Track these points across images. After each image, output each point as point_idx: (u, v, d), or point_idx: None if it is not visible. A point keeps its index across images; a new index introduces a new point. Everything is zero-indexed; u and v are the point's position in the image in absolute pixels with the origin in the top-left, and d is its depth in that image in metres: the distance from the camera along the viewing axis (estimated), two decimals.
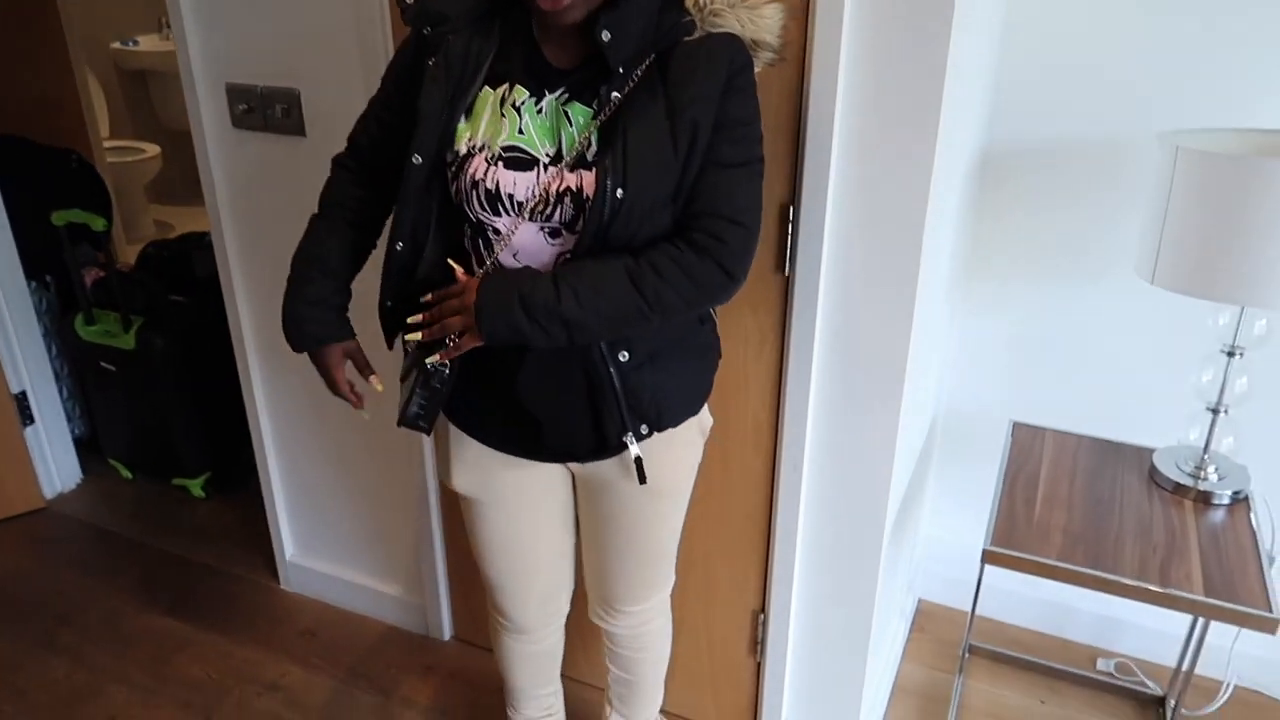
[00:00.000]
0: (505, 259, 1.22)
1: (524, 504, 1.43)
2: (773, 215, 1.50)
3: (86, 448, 3.01)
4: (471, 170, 1.19)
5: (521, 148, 1.17)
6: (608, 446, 1.30)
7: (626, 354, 1.23)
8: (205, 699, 2.12)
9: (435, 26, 1.18)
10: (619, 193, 1.12)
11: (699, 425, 1.40)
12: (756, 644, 1.87)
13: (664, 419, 1.30)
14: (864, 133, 1.40)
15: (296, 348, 1.34)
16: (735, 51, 1.15)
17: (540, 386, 1.26)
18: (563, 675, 1.92)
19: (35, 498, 2.77)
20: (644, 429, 1.28)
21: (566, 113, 1.17)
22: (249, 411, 2.26)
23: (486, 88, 1.20)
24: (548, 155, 1.17)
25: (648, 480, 1.32)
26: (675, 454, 1.37)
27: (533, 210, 1.18)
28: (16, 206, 2.63)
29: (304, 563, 2.41)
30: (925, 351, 1.71)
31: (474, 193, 1.19)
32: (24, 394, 2.72)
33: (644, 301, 1.15)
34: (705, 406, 1.41)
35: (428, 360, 1.24)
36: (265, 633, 2.33)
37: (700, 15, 1.16)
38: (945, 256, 1.70)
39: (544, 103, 1.18)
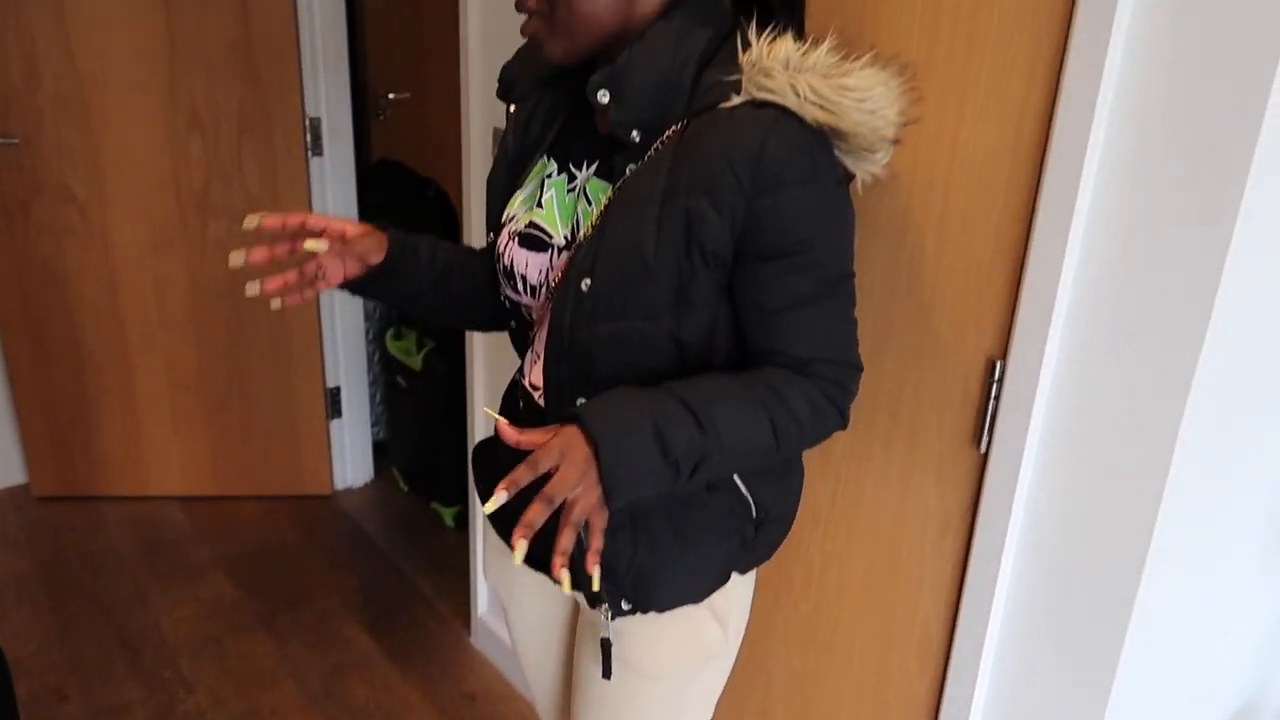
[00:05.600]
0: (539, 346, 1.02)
1: (530, 611, 1.20)
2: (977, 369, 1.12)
3: (383, 452, 3.23)
4: (499, 243, 1.04)
5: (540, 226, 0.99)
6: (578, 582, 0.97)
7: None
8: None
9: (508, 96, 1.03)
10: (584, 283, 0.89)
11: (711, 606, 1.03)
12: None
13: (650, 600, 0.98)
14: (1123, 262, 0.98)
15: None
16: (771, 137, 0.81)
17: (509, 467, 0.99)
18: None
19: (324, 484, 3.01)
20: (625, 605, 0.97)
21: (586, 190, 0.96)
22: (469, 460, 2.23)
23: (546, 158, 1.03)
24: (564, 237, 0.97)
25: (619, 664, 1.02)
26: (666, 633, 1.02)
27: (548, 295, 0.98)
28: (371, 219, 2.88)
29: (493, 624, 2.32)
30: (1204, 611, 1.18)
31: (498, 265, 1.04)
32: (337, 389, 2.97)
33: (774, 438, 0.87)
34: (732, 581, 1.04)
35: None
36: (434, 680, 2.26)
37: (749, 73, 0.85)
38: (1257, 469, 1.16)
39: (579, 177, 0.98)
